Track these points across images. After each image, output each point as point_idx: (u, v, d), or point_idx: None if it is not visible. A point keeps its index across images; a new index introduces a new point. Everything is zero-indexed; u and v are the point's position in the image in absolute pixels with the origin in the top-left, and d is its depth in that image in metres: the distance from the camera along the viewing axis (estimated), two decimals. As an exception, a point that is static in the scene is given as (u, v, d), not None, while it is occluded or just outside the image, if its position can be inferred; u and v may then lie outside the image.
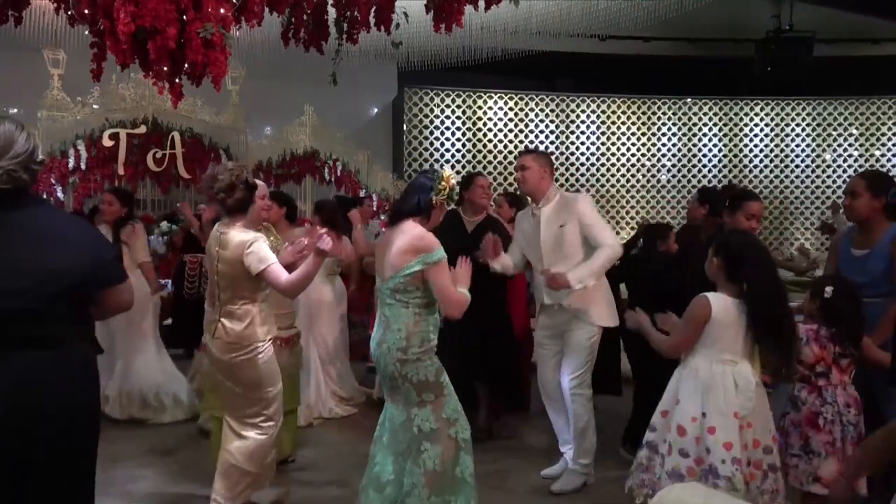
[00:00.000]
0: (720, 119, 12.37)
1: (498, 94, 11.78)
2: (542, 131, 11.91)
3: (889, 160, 12.25)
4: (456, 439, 2.92)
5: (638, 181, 12.15)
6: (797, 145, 12.36)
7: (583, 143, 11.99)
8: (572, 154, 11.98)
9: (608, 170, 12.07)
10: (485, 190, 4.55)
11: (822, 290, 3.03)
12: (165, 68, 3.35)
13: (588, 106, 12.06)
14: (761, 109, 12.36)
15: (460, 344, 3.91)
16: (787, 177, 12.35)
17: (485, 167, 11.56)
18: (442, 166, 11.47)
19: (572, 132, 12.00)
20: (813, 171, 12.32)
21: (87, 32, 3.83)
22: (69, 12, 3.76)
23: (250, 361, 3.16)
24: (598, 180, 12.02)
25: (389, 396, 3.03)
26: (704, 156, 12.30)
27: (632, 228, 11.82)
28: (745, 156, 12.35)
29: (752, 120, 12.38)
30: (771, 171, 12.35)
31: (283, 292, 3.18)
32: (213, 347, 3.23)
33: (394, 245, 2.89)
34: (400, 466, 2.94)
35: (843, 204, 3.47)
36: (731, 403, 2.72)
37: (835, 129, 12.34)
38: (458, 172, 11.39)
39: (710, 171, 12.27)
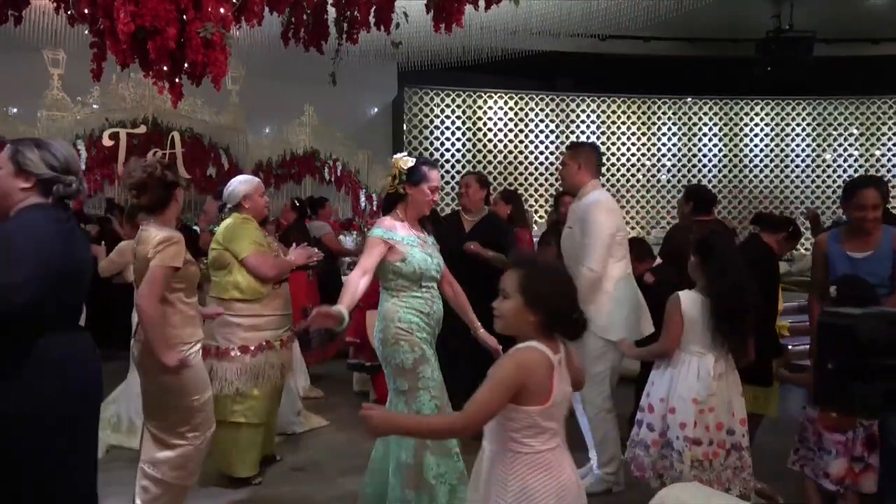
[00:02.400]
0: (720, 119, 12.36)
1: (498, 94, 11.77)
2: (542, 131, 11.91)
3: (889, 160, 12.25)
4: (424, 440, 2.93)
5: (638, 181, 12.15)
6: (797, 145, 12.35)
7: (583, 143, 11.98)
8: (572, 154, 11.95)
9: (608, 170, 12.05)
10: (464, 188, 4.77)
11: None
12: (165, 68, 3.36)
13: (588, 106, 12.06)
14: (761, 109, 12.35)
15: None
16: (787, 177, 12.34)
17: (485, 167, 11.56)
18: (442, 165, 11.47)
19: (572, 132, 11.99)
20: (813, 171, 12.32)
21: (87, 32, 3.84)
22: (69, 12, 3.76)
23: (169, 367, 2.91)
24: (598, 180, 12.01)
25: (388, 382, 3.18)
26: (704, 156, 12.30)
27: (631, 228, 11.81)
28: (745, 156, 12.34)
29: (752, 120, 12.37)
30: (771, 171, 12.34)
31: (141, 307, 2.89)
32: (135, 350, 3.05)
33: None
34: (385, 448, 3.10)
35: (867, 217, 3.34)
36: (690, 390, 3.01)
37: (835, 129, 12.33)
38: (458, 172, 11.43)
39: (710, 171, 12.26)
